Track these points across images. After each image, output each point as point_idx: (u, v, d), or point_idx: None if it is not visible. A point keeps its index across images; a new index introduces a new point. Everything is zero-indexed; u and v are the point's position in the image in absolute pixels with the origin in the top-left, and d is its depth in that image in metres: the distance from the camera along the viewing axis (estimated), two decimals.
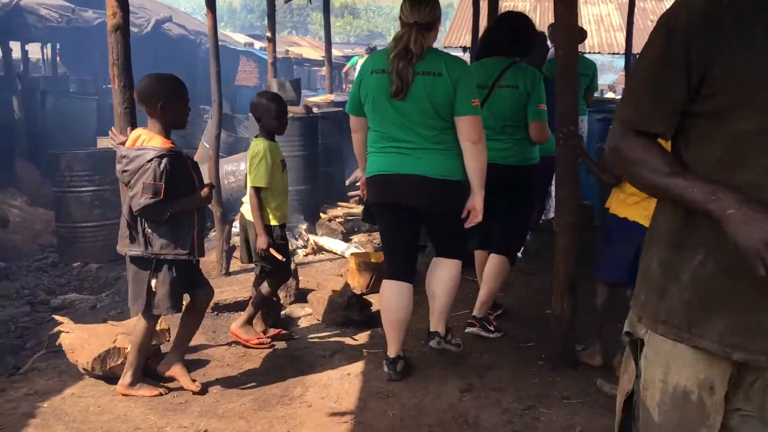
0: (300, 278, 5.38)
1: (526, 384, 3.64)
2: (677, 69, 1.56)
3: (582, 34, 6.70)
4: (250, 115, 4.33)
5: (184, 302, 3.62)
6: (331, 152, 8.23)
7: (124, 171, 3.35)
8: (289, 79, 9.12)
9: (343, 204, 8.38)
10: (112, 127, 3.85)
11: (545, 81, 4.16)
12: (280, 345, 4.26)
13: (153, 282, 3.42)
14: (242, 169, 3.90)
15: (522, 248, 4.56)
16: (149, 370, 3.70)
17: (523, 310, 4.81)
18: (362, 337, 4.39)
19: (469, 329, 4.28)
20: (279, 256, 4.02)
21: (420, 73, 3.41)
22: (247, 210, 4.10)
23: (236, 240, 4.80)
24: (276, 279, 4.21)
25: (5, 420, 3.30)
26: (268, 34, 8.56)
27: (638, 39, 15.41)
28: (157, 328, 3.75)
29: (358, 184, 9.75)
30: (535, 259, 5.74)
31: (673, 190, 1.55)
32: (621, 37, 16.48)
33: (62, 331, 3.82)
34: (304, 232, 6.81)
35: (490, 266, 4.23)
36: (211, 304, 4.41)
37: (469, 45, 11.85)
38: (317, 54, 22.06)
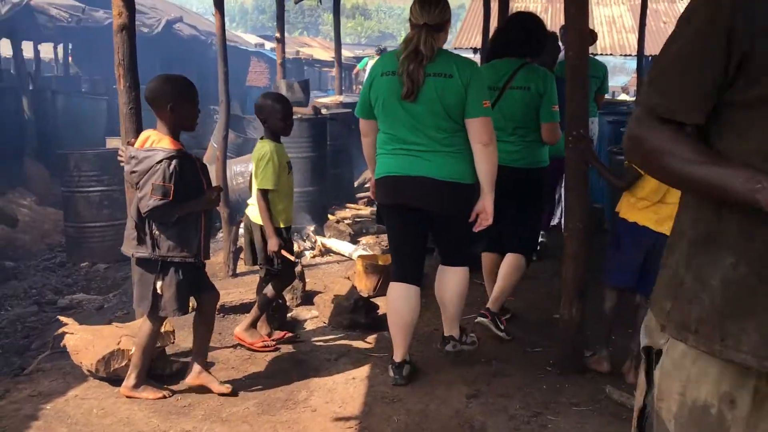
0: (307, 280, 5.34)
1: (533, 390, 3.59)
2: (716, 51, 1.40)
3: (592, 36, 6.65)
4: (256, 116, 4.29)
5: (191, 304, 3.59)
6: (340, 153, 8.20)
7: (133, 172, 3.33)
8: (299, 80, 9.09)
9: (352, 205, 8.34)
10: (121, 147, 3.84)
11: (556, 81, 4.12)
12: (285, 348, 4.22)
13: (159, 284, 3.40)
14: (251, 170, 3.88)
15: (537, 248, 4.50)
16: (153, 372, 3.68)
17: (531, 314, 4.76)
18: (368, 341, 4.35)
19: (480, 319, 4.25)
20: (291, 257, 4.00)
21: (431, 75, 3.38)
22: (252, 212, 4.07)
23: (243, 241, 4.76)
24: (280, 282, 4.18)
25: (7, 422, 3.28)
26: (277, 35, 8.53)
27: (650, 41, 15.36)
28: (162, 330, 3.72)
29: (367, 185, 9.77)
30: (544, 263, 5.69)
31: (707, 179, 1.39)
32: (633, 39, 16.39)
33: (67, 332, 3.80)
34: (311, 234, 6.78)
35: (506, 264, 4.21)
36: (217, 305, 4.38)
37: (479, 46, 11.79)
38: (328, 55, 22.05)
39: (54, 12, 11.45)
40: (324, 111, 7.98)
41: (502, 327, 4.26)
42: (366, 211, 8.04)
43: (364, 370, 3.87)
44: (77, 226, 7.02)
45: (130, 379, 3.51)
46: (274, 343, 4.21)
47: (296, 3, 12.21)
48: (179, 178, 3.28)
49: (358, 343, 4.30)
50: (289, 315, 4.78)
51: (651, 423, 1.64)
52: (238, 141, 9.12)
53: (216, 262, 5.78)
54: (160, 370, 3.75)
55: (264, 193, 3.93)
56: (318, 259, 6.37)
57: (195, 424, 3.29)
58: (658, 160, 1.48)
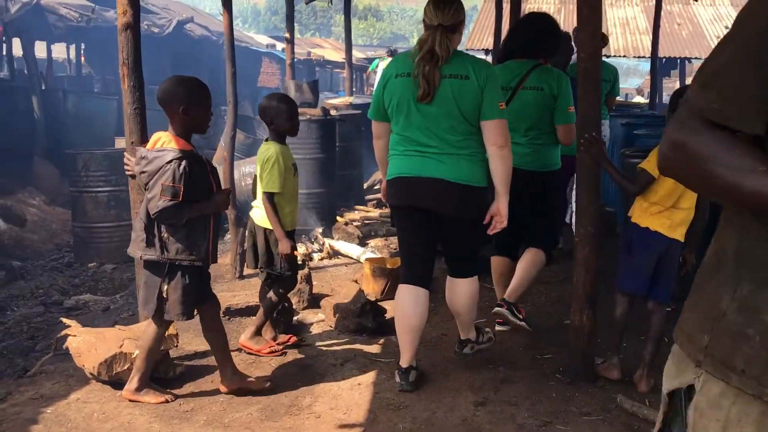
0: (314, 283, 5.29)
1: (542, 398, 3.51)
2: None
3: (603, 39, 6.59)
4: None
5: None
6: (349, 155, 8.16)
7: (143, 172, 3.29)
8: (308, 80, 9.04)
9: (361, 207, 8.29)
10: (126, 152, 3.81)
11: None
12: (291, 352, 4.16)
13: (165, 287, 3.36)
14: (254, 172, 3.85)
15: (557, 244, 4.47)
16: (156, 375, 3.62)
17: (541, 319, 4.68)
18: (375, 346, 4.28)
19: (497, 309, 4.21)
20: (299, 255, 3.95)
21: (447, 77, 3.34)
22: (256, 215, 4.01)
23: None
24: (283, 286, 4.12)
25: (8, 426, 3.24)
26: (287, 35, 8.49)
27: (664, 42, 15.24)
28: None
29: (376, 187, 9.72)
30: (556, 266, 5.60)
31: (764, 190, 1.19)
32: (647, 41, 16.27)
33: (69, 335, 3.75)
34: (319, 236, 6.73)
35: (525, 258, 4.19)
36: (223, 308, 4.34)
37: (491, 47, 11.72)
38: (339, 56, 22.04)
39: (64, 11, 11.45)
40: (333, 112, 7.94)
41: (521, 316, 4.21)
42: (375, 213, 7.99)
43: (370, 376, 3.80)
44: (85, 226, 7.01)
45: (133, 382, 3.46)
46: (281, 348, 4.15)
47: (307, 3, 12.18)
48: (189, 179, 3.24)
49: (365, 348, 4.24)
50: (295, 318, 4.73)
51: None
52: (248, 141, 9.10)
53: (223, 263, 5.74)
54: (162, 373, 3.70)
55: (270, 196, 3.87)
56: (326, 262, 6.32)
57: (197, 430, 3.23)
58: (703, 168, 1.28)
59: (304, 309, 4.99)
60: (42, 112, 11.24)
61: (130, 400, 3.45)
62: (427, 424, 3.26)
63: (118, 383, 3.57)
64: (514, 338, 4.32)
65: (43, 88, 12.77)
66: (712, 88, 1.28)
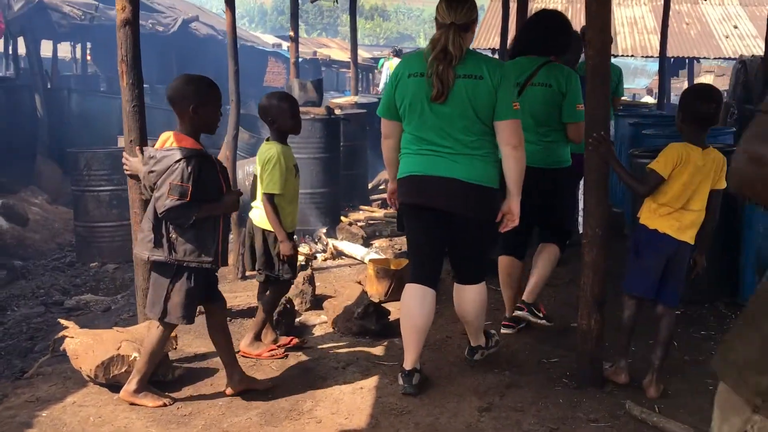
0: (317, 284, 5.22)
1: (548, 404, 3.43)
2: None
3: None
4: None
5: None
6: (354, 154, 8.08)
7: (151, 172, 3.23)
8: (312, 79, 8.97)
9: (365, 208, 8.22)
10: (125, 153, 3.75)
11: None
12: (292, 354, 4.09)
13: (169, 287, 3.30)
14: (253, 172, 3.79)
15: (569, 238, 4.47)
16: (154, 378, 3.55)
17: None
18: (378, 348, 4.20)
19: (517, 313, 4.23)
20: (302, 254, 3.89)
21: (461, 77, 3.31)
22: (255, 216, 3.93)
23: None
24: (278, 289, 4.04)
25: (2, 429, 3.17)
26: (291, 33, 8.43)
27: (672, 42, 15.11)
28: None
29: (381, 187, 9.64)
30: (563, 267, 5.52)
31: None
32: (655, 40, 16.12)
33: (67, 336, 3.69)
34: (323, 236, 6.66)
35: (541, 255, 4.22)
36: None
37: (497, 47, 11.62)
38: (346, 56, 21.97)
39: (67, 9, 11.40)
40: (338, 111, 7.87)
41: (541, 314, 4.22)
42: (380, 213, 7.92)
43: (372, 380, 3.72)
44: (87, 225, 6.97)
45: (132, 384, 3.38)
46: (281, 351, 4.07)
47: (312, 2, 12.14)
48: (198, 178, 3.18)
49: (367, 351, 4.16)
50: (297, 320, 4.66)
51: None
52: (252, 141, 9.04)
53: None
54: (161, 376, 3.62)
55: (270, 197, 3.79)
56: (329, 262, 6.24)
57: None
58: None
59: (306, 310, 4.92)
60: (45, 111, 11.20)
61: (129, 402, 3.38)
62: (431, 430, 3.18)
63: (115, 386, 3.50)
64: (520, 341, 4.24)
65: (49, 86, 12.74)
66: None
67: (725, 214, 4.02)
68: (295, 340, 4.23)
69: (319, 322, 4.71)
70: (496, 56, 12.93)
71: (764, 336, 1.21)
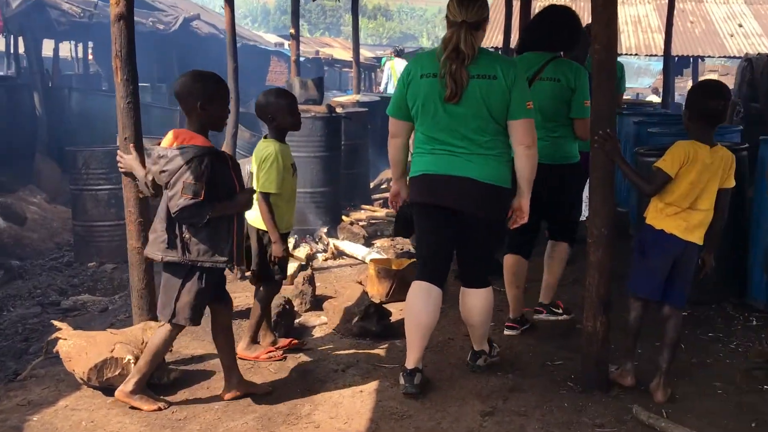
0: (317, 284, 5.13)
1: (553, 408, 3.33)
2: None
3: None
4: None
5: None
6: (355, 153, 8.00)
7: (163, 171, 3.14)
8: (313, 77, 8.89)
9: (367, 207, 8.14)
10: (119, 151, 3.68)
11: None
12: (291, 356, 4.00)
13: (182, 289, 3.24)
14: (249, 170, 3.73)
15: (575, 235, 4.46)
16: (149, 381, 3.46)
17: (551, 324, 4.48)
18: (379, 350, 4.12)
19: (537, 316, 4.29)
20: (296, 258, 3.81)
21: (475, 77, 3.29)
22: (250, 215, 3.84)
23: None
24: (270, 289, 3.96)
25: None
26: (292, 31, 8.35)
27: (677, 40, 15.01)
28: None
29: (383, 186, 9.56)
30: (565, 269, 5.43)
31: None
32: (659, 39, 16.03)
33: (60, 338, 3.60)
34: (324, 236, 6.58)
35: (551, 255, 4.27)
36: None
37: (500, 45, 11.54)
38: (348, 55, 21.90)
39: (66, 6, 11.32)
40: (339, 110, 7.79)
41: (560, 310, 4.30)
42: (381, 212, 7.84)
43: (372, 383, 3.63)
44: (85, 224, 6.90)
45: (129, 384, 3.30)
46: (280, 353, 3.99)
47: (314, 0, 12.10)
48: (211, 177, 3.11)
49: (368, 353, 4.07)
50: (296, 321, 4.58)
51: None
52: (253, 140, 8.94)
53: None
54: (156, 379, 3.53)
55: (266, 197, 3.71)
56: (330, 262, 6.16)
57: None
58: None
59: (306, 311, 4.84)
60: (45, 110, 11.12)
61: (124, 403, 3.29)
62: None
63: (108, 389, 3.42)
64: (524, 343, 4.16)
65: (50, 85, 12.66)
66: None
67: (733, 213, 3.94)
68: (295, 342, 4.14)
69: (319, 324, 4.63)
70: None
71: None
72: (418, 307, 3.46)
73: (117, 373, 3.40)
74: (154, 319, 3.85)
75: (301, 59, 14.21)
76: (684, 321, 3.57)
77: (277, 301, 4.29)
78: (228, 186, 3.24)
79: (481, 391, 3.50)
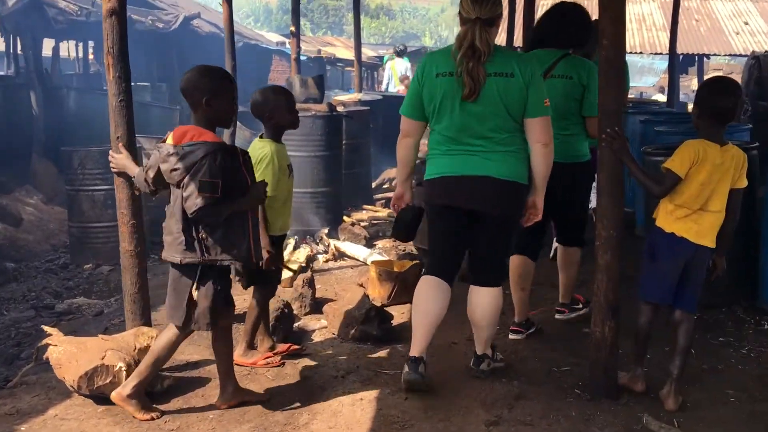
0: (317, 286, 5.03)
1: (560, 417, 3.21)
2: None
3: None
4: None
5: None
6: (356, 152, 7.90)
7: (174, 169, 3.01)
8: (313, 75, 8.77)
9: (369, 207, 8.03)
10: (111, 151, 3.58)
11: None
12: (290, 362, 3.88)
13: (195, 293, 3.13)
14: None
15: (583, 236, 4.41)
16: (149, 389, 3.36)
17: (557, 327, 4.38)
18: (380, 356, 4.00)
19: (558, 317, 4.34)
20: (285, 268, 3.69)
21: (492, 75, 3.27)
22: None
23: None
24: (264, 293, 3.84)
25: None
26: (292, 28, 8.24)
27: (682, 38, 14.86)
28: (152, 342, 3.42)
29: (385, 186, 9.44)
30: None
31: None
32: (664, 37, 15.92)
33: (50, 344, 3.49)
34: (324, 237, 6.46)
35: (563, 257, 4.27)
36: None
37: (503, 44, 11.42)
38: (351, 54, 21.79)
39: (63, 4, 11.21)
40: (341, 108, 7.67)
41: (580, 305, 4.35)
42: (383, 213, 7.73)
43: (373, 390, 3.51)
44: (81, 226, 6.80)
45: (127, 388, 3.18)
46: (278, 359, 3.87)
47: None
48: (225, 173, 3.01)
49: (369, 358, 3.96)
50: (296, 325, 4.46)
51: None
52: (253, 138, 8.85)
53: None
54: (149, 386, 3.40)
55: None
56: (331, 264, 6.05)
57: None
58: None
59: (306, 314, 4.73)
60: (42, 110, 11.01)
61: (118, 404, 3.18)
62: None
63: (99, 397, 3.31)
64: (529, 348, 4.05)
65: (49, 86, 12.55)
66: None
67: (744, 213, 3.81)
68: (294, 347, 4.03)
69: (319, 327, 4.51)
70: None
71: None
72: (425, 301, 3.43)
73: (108, 381, 3.28)
74: (148, 324, 3.75)
75: (304, 58, 14.11)
76: (694, 325, 3.45)
77: (275, 305, 4.19)
78: (241, 181, 3.14)
79: (486, 399, 3.39)
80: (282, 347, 3.98)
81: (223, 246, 3.08)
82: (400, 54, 14.62)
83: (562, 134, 3.88)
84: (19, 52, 13.01)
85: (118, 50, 3.47)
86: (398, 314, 4.60)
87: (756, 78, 8.73)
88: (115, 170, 3.58)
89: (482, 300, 3.47)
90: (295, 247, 6.02)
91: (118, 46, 3.47)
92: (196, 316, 3.13)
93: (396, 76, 14.36)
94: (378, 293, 4.89)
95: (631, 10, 18.36)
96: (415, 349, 3.39)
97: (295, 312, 4.55)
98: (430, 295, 3.44)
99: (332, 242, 6.34)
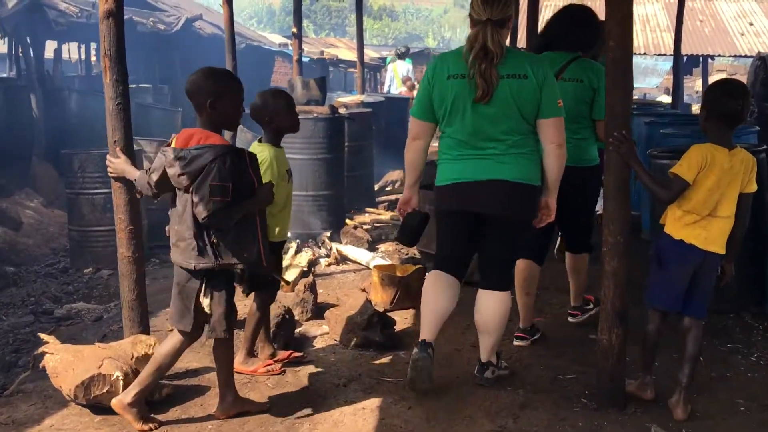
0: (319, 291, 4.96)
1: (566, 427, 3.14)
2: None
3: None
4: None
5: None
6: (359, 155, 7.83)
7: (182, 174, 2.95)
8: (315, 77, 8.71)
9: (371, 210, 7.96)
10: (108, 155, 3.53)
11: None
12: (291, 369, 3.82)
13: (206, 301, 3.08)
14: None
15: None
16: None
17: (563, 334, 4.31)
18: (382, 363, 3.94)
19: (571, 320, 4.36)
20: (278, 278, 3.64)
21: (505, 77, 3.24)
22: None
23: None
24: (263, 299, 3.77)
25: None
26: (294, 30, 8.18)
27: (686, 39, 14.77)
28: (151, 350, 3.36)
29: (388, 189, 9.38)
30: None
31: None
32: (668, 38, 15.85)
33: (47, 352, 3.43)
34: (326, 240, 6.40)
35: (572, 263, 4.25)
36: None
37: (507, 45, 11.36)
38: (353, 55, 21.74)
39: (63, 6, 11.17)
40: (343, 110, 7.61)
41: (591, 305, 4.34)
42: (386, 216, 7.66)
43: (375, 399, 3.44)
44: (81, 229, 6.74)
45: (128, 396, 3.12)
46: (279, 366, 3.81)
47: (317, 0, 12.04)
48: (235, 176, 2.96)
49: (371, 365, 3.89)
50: (297, 331, 4.40)
51: None
52: (254, 141, 8.79)
53: None
54: (148, 396, 3.35)
55: None
56: (333, 268, 5.98)
57: None
58: None
59: (307, 320, 4.66)
60: (42, 112, 10.96)
61: (118, 412, 3.12)
62: None
63: (96, 407, 3.25)
64: (534, 354, 3.98)
65: (51, 88, 12.50)
66: None
67: (752, 218, 3.74)
68: (295, 355, 3.97)
69: (321, 333, 4.45)
70: None
71: None
72: (434, 293, 3.43)
73: (105, 390, 3.22)
74: (146, 331, 3.68)
75: (306, 59, 14.05)
76: (703, 332, 3.38)
77: (276, 311, 4.12)
78: (249, 183, 3.09)
79: (490, 408, 3.32)
80: (283, 354, 3.92)
81: (234, 250, 3.04)
82: (401, 56, 14.57)
83: (574, 138, 3.83)
84: (20, 54, 12.97)
85: (115, 52, 3.41)
86: (401, 319, 4.53)
87: (762, 79, 8.65)
88: (112, 175, 3.52)
89: (490, 304, 3.42)
90: (297, 251, 5.95)
91: (115, 49, 3.41)
92: (212, 324, 3.08)
93: (398, 77, 14.31)
94: (380, 298, 4.82)
95: (636, 11, 18.18)
96: (425, 335, 3.38)
97: (296, 318, 4.49)
98: (437, 287, 3.43)
99: (334, 246, 6.27)
